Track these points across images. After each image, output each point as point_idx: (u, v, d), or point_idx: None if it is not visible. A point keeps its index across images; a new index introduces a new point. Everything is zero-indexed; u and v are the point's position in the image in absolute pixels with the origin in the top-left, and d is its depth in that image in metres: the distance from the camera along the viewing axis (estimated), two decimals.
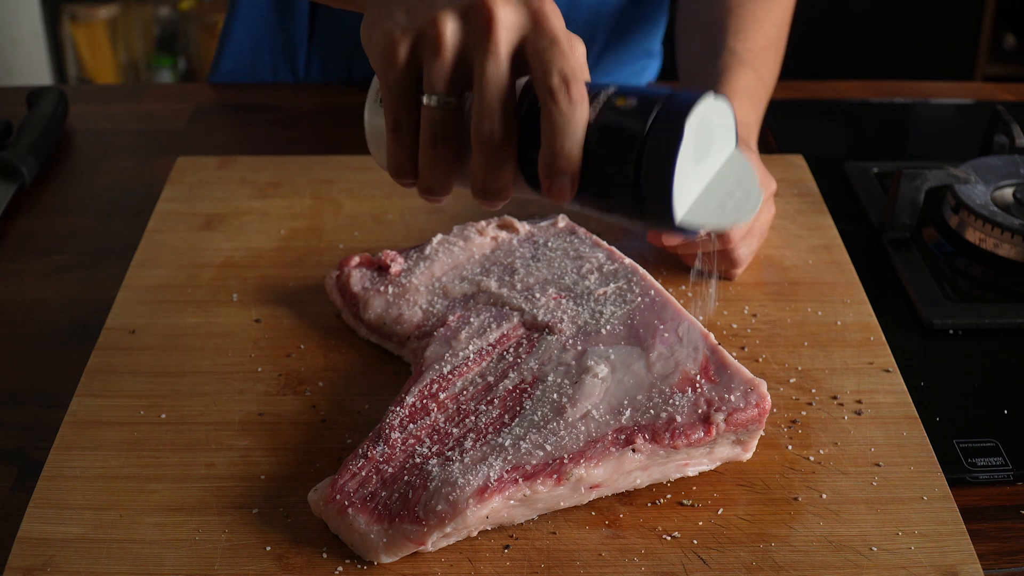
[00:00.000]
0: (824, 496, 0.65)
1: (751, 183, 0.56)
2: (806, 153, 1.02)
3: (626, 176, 0.52)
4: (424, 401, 0.67)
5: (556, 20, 0.54)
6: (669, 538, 0.63)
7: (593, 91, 0.54)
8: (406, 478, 0.62)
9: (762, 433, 0.67)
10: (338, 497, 0.61)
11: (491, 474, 0.60)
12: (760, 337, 0.79)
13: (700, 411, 0.64)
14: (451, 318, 0.73)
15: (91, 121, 1.14)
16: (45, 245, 0.92)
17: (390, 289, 0.77)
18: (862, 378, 0.75)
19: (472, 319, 0.73)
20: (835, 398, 0.73)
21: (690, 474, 0.66)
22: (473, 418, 0.65)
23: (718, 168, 0.55)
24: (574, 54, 0.54)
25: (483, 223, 0.82)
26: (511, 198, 0.57)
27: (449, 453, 0.62)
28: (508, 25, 0.53)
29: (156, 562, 0.61)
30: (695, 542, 0.62)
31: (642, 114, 0.52)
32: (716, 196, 0.54)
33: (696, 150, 0.53)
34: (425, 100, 0.55)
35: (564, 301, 0.74)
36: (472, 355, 0.70)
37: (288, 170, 0.99)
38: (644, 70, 1.27)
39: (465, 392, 0.67)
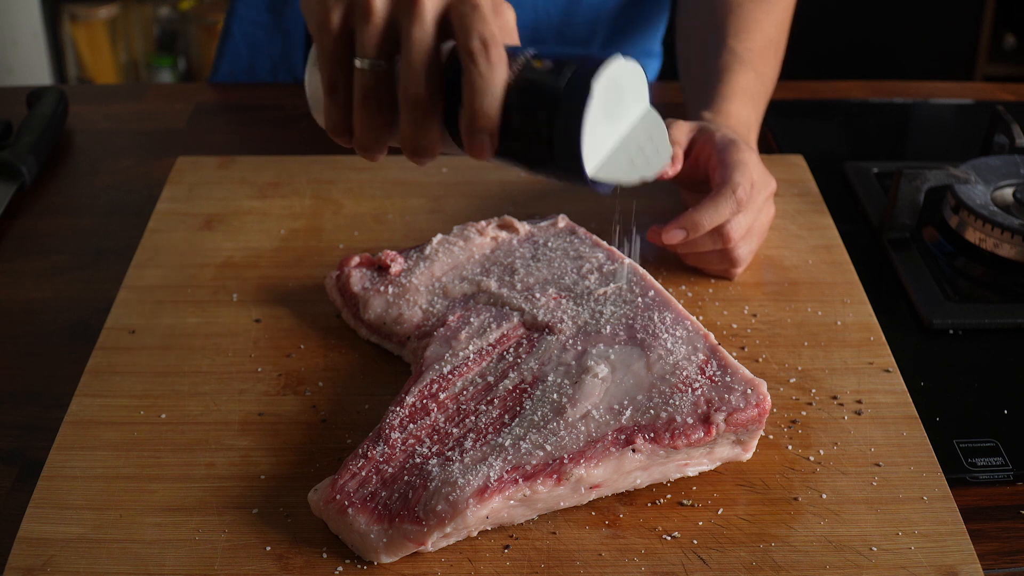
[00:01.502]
0: (824, 496, 0.65)
1: (661, 140, 0.60)
2: (806, 153, 1.02)
3: (540, 133, 0.56)
4: (424, 401, 0.67)
5: None
6: (669, 538, 0.63)
7: (514, 54, 0.57)
8: (406, 478, 0.62)
9: (762, 433, 0.67)
10: (338, 497, 0.61)
11: (491, 474, 0.60)
12: (760, 337, 0.79)
13: (700, 411, 0.64)
14: (451, 318, 0.73)
15: (91, 121, 1.14)
16: (45, 245, 0.92)
17: (390, 289, 0.77)
18: (862, 378, 0.75)
19: (472, 319, 0.73)
20: (835, 398, 0.73)
21: (690, 474, 0.66)
22: (473, 418, 0.65)
23: (630, 126, 0.59)
24: (497, 19, 0.57)
25: (483, 223, 0.82)
26: (438, 155, 0.61)
27: (449, 453, 0.62)
28: None
29: (156, 562, 0.61)
30: (695, 542, 0.62)
31: (555, 74, 0.55)
32: (627, 153, 0.58)
33: (607, 109, 0.56)
34: (357, 64, 0.59)
35: (564, 301, 0.74)
36: (472, 355, 0.70)
37: (288, 170, 0.99)
38: (644, 70, 1.27)
39: (465, 392, 0.67)
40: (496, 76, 0.56)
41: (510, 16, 0.59)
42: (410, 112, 0.58)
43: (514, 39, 0.59)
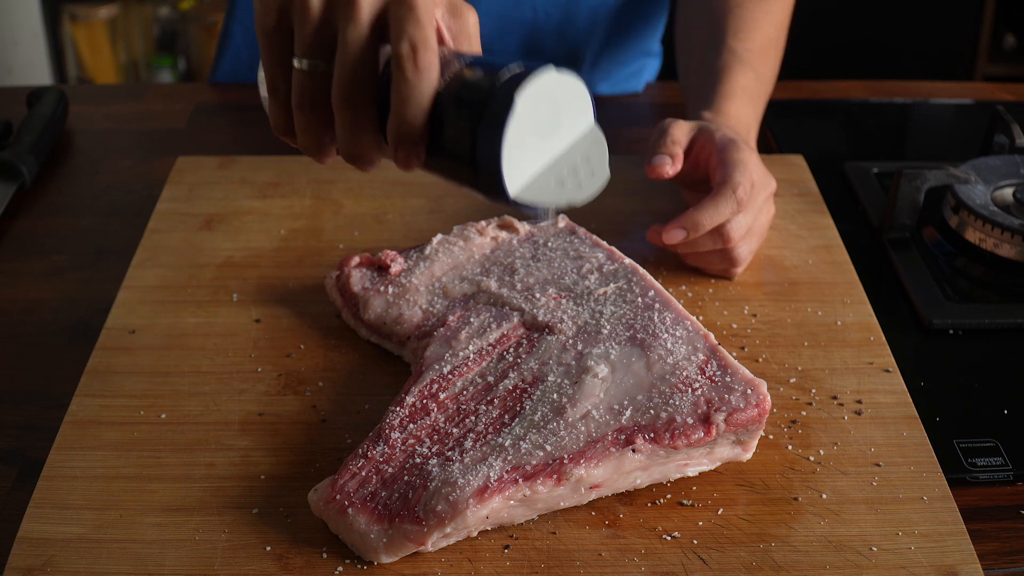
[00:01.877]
0: (824, 496, 0.65)
1: (599, 162, 0.56)
2: (806, 153, 1.02)
3: (463, 148, 0.53)
4: (424, 401, 0.67)
5: None
6: (669, 538, 0.63)
7: (448, 62, 0.54)
8: (406, 478, 0.62)
9: (762, 433, 0.67)
10: (338, 497, 0.61)
11: (491, 474, 0.60)
12: (760, 337, 0.79)
13: (700, 411, 0.64)
14: (451, 318, 0.73)
15: (91, 121, 1.14)
16: (45, 245, 0.93)
17: (390, 289, 0.77)
18: (862, 378, 0.75)
19: (472, 319, 0.73)
20: (835, 398, 0.73)
21: (690, 474, 0.66)
22: (473, 418, 0.65)
23: (567, 145, 0.55)
24: (456, 21, 0.56)
25: (483, 223, 0.82)
26: (379, 162, 0.59)
27: (449, 453, 0.62)
28: None
29: (156, 562, 0.61)
30: (695, 542, 0.62)
31: (482, 86, 0.52)
32: (557, 174, 0.54)
33: (536, 125, 0.52)
34: (296, 64, 0.57)
35: (564, 301, 0.74)
36: (472, 355, 0.70)
37: (288, 170, 0.99)
38: (643, 70, 1.27)
39: (465, 392, 0.67)
40: (423, 83, 0.53)
41: (471, 18, 0.57)
42: (341, 115, 0.56)
43: (473, 43, 0.57)
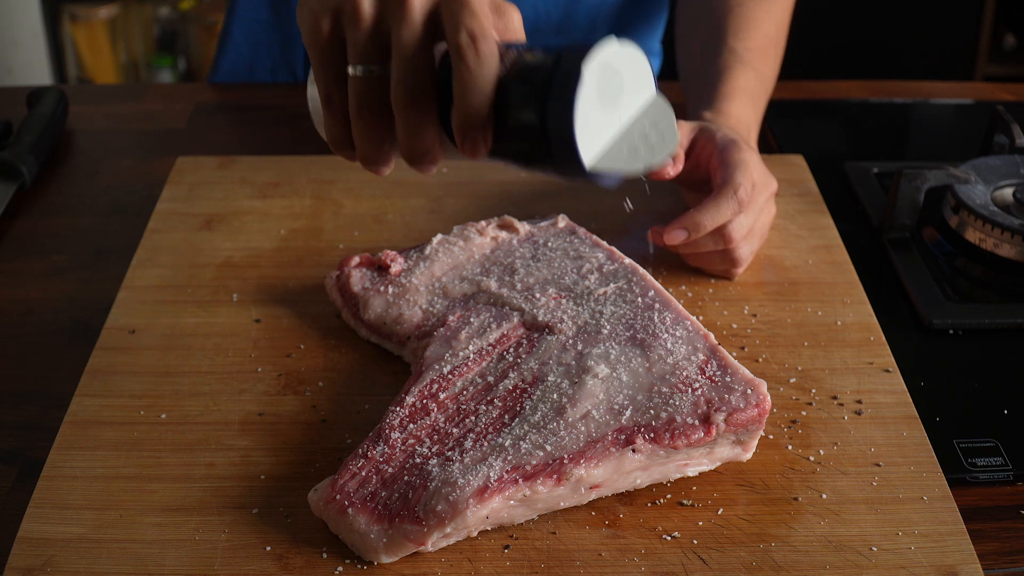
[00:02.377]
0: (824, 496, 0.65)
1: (668, 127, 0.57)
2: (806, 153, 1.02)
3: (532, 125, 0.53)
4: (424, 401, 0.67)
5: None
6: (669, 538, 0.63)
7: (507, 49, 0.55)
8: (406, 478, 0.62)
9: (762, 433, 0.67)
10: (338, 497, 0.61)
11: (491, 474, 0.60)
12: (760, 337, 0.79)
13: (700, 411, 0.64)
14: (451, 318, 0.73)
15: (91, 121, 1.14)
16: (45, 245, 0.92)
17: (390, 289, 0.77)
18: (862, 378, 0.75)
19: (472, 319, 0.73)
20: (835, 398, 0.73)
21: (690, 474, 0.65)
22: (473, 418, 0.65)
23: (633, 114, 0.56)
24: (500, 19, 0.56)
25: (483, 223, 0.82)
26: (440, 160, 0.59)
27: (449, 453, 0.62)
28: None
29: (156, 562, 0.61)
30: (695, 542, 0.62)
31: (545, 63, 0.53)
32: (629, 141, 0.55)
33: (603, 95, 0.53)
34: (350, 71, 0.57)
35: (564, 301, 0.74)
36: (472, 355, 0.70)
37: (288, 170, 0.99)
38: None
39: (465, 392, 0.67)
40: (485, 71, 0.54)
41: (514, 16, 0.57)
42: (403, 115, 0.56)
43: (519, 39, 0.57)
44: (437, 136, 0.58)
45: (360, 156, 0.60)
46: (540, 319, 0.72)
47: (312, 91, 0.62)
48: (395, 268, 0.79)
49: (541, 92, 0.53)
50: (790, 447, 0.69)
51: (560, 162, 0.54)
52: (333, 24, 0.57)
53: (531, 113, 0.53)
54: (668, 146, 0.57)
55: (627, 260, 0.77)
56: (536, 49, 0.54)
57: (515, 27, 0.57)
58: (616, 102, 0.54)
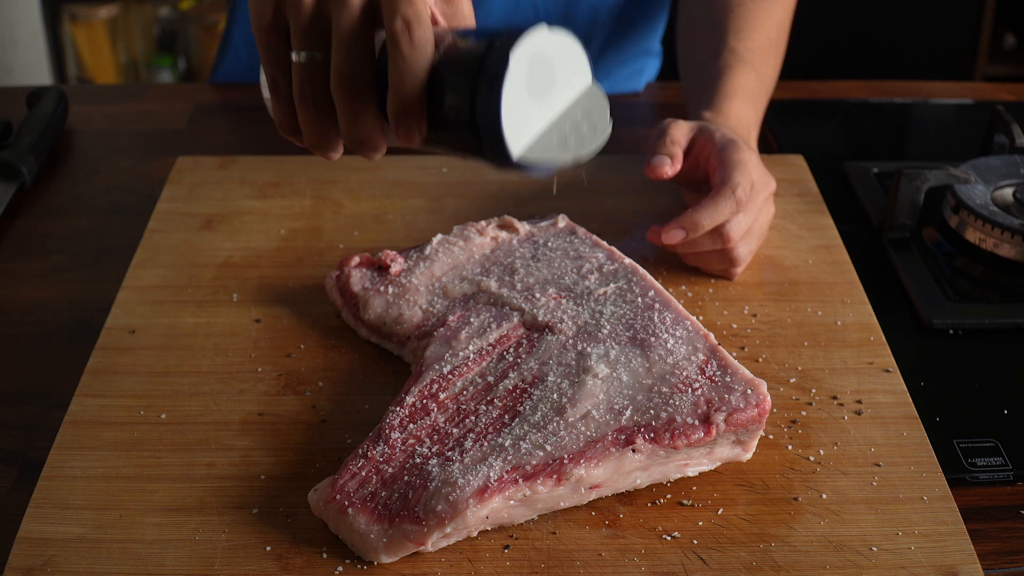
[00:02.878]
0: (824, 496, 0.65)
1: (601, 117, 0.56)
2: (806, 153, 1.02)
3: (462, 114, 0.53)
4: (424, 401, 0.67)
5: None
6: (669, 538, 0.63)
7: (442, 38, 0.55)
8: (406, 478, 0.62)
9: (762, 433, 0.67)
10: (338, 497, 0.61)
11: (491, 474, 0.60)
12: (760, 337, 0.79)
13: (700, 411, 0.64)
14: (451, 318, 0.73)
15: (91, 121, 1.14)
16: (45, 245, 0.93)
17: (390, 289, 0.77)
18: (862, 378, 0.75)
19: (472, 319, 0.73)
20: (835, 398, 0.73)
21: (690, 474, 0.66)
22: (473, 418, 0.65)
23: (566, 104, 0.55)
24: (450, 7, 0.56)
25: (483, 223, 0.82)
26: (384, 148, 0.59)
27: (449, 453, 0.62)
28: None
29: (156, 562, 0.61)
30: (695, 542, 0.62)
31: (475, 51, 0.53)
32: (560, 132, 0.54)
33: (532, 84, 0.53)
34: (294, 57, 0.58)
35: (564, 301, 0.74)
36: (472, 355, 0.70)
37: (288, 170, 0.99)
38: (644, 69, 1.27)
39: (465, 392, 0.67)
40: (419, 57, 0.54)
41: (462, 3, 0.58)
42: (342, 102, 0.57)
43: (469, 25, 0.57)
44: (378, 124, 0.58)
45: (307, 141, 0.61)
46: (540, 319, 0.72)
47: (261, 78, 0.63)
48: (395, 268, 0.79)
49: (471, 80, 0.52)
50: (790, 447, 0.69)
51: (489, 151, 0.53)
52: (276, 10, 0.58)
53: (461, 102, 0.53)
54: (599, 137, 0.56)
55: (627, 260, 0.77)
56: (470, 35, 0.54)
57: (464, 13, 0.58)
58: (547, 91, 0.54)
